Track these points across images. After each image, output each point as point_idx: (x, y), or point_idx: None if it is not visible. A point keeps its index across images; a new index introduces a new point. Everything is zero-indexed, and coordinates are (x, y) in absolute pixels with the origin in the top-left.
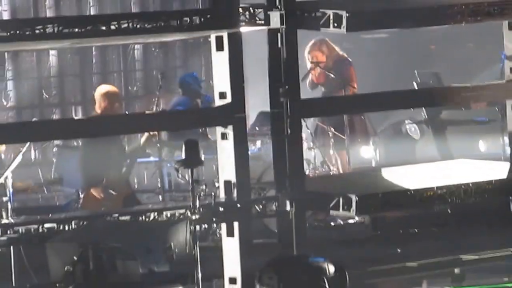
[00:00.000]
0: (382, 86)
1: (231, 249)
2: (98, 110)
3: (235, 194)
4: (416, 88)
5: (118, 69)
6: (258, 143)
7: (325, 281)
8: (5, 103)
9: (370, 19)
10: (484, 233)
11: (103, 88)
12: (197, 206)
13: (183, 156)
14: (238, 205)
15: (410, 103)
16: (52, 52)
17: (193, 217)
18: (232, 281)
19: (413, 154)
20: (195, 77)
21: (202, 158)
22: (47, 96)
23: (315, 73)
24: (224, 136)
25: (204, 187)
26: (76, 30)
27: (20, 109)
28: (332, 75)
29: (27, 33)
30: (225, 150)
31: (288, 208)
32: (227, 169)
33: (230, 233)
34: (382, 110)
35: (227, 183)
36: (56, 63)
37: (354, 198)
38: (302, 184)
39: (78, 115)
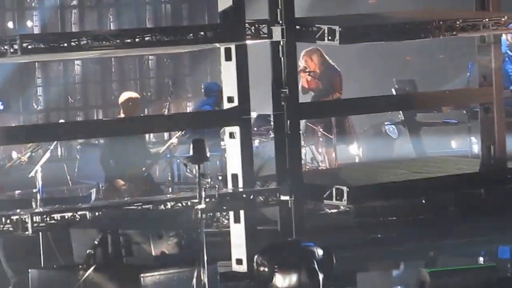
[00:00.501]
0: (365, 92)
1: (237, 234)
2: (122, 114)
3: (241, 186)
4: (394, 93)
5: (135, 77)
6: (256, 142)
7: (315, 263)
8: (35, 107)
9: (360, 33)
10: (459, 221)
11: (126, 95)
12: (203, 196)
13: (191, 153)
14: (244, 195)
15: (390, 107)
16: (77, 62)
17: (200, 207)
18: (239, 262)
19: (392, 151)
20: (217, 84)
21: (208, 155)
22: (72, 101)
23: (306, 78)
24: (232, 135)
25: (209, 180)
26: (104, 42)
27: (48, 112)
28: (321, 82)
29: (64, 45)
30: (233, 147)
31: (288, 198)
32: (234, 164)
33: (237, 220)
34: (367, 113)
35: (234, 176)
36: (80, 72)
37: (345, 189)
38: (300, 177)
39: (100, 117)
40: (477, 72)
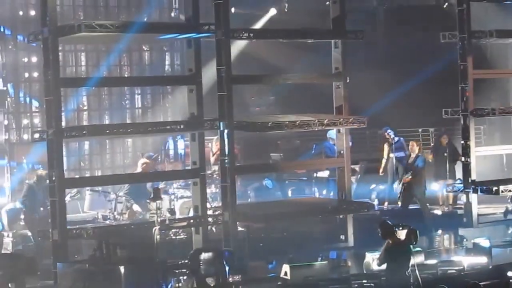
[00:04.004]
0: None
1: (197, 241)
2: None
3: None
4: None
5: (120, 151)
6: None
7: (223, 260)
8: None
9: (267, 126)
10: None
11: (143, 160)
12: (159, 221)
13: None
14: (203, 218)
15: (269, 169)
16: (86, 142)
17: (157, 227)
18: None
19: (269, 195)
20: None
21: (162, 196)
22: (83, 164)
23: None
24: (195, 183)
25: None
26: (125, 130)
27: (69, 171)
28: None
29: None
30: (196, 190)
31: (228, 219)
32: (196, 200)
33: (197, 232)
34: (253, 173)
35: (196, 207)
36: (88, 147)
37: (261, 214)
38: (235, 207)
39: (99, 175)
40: (319, 150)
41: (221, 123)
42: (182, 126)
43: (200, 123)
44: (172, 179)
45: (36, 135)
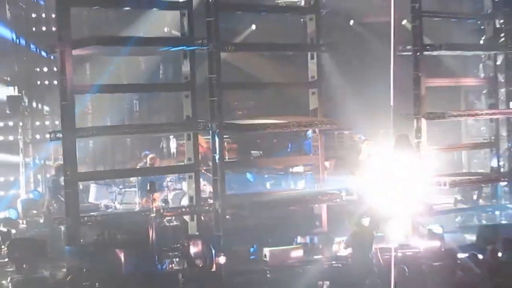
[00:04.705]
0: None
1: (192, 227)
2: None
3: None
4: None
5: (119, 150)
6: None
7: (210, 244)
8: None
9: (244, 128)
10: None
11: (151, 155)
12: (154, 210)
13: (148, 188)
14: (197, 206)
15: (253, 165)
16: (91, 141)
17: (152, 215)
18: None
19: (250, 187)
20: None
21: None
22: (87, 160)
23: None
24: (190, 177)
25: (158, 202)
26: (129, 129)
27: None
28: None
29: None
30: (191, 182)
31: (218, 208)
32: (191, 191)
33: (192, 219)
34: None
35: (191, 197)
36: (92, 144)
37: (247, 204)
38: (225, 197)
39: (102, 169)
40: (295, 148)
41: (212, 125)
42: (178, 127)
43: (195, 125)
44: (172, 173)
45: (52, 135)
